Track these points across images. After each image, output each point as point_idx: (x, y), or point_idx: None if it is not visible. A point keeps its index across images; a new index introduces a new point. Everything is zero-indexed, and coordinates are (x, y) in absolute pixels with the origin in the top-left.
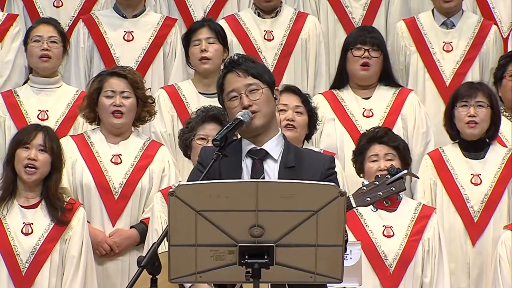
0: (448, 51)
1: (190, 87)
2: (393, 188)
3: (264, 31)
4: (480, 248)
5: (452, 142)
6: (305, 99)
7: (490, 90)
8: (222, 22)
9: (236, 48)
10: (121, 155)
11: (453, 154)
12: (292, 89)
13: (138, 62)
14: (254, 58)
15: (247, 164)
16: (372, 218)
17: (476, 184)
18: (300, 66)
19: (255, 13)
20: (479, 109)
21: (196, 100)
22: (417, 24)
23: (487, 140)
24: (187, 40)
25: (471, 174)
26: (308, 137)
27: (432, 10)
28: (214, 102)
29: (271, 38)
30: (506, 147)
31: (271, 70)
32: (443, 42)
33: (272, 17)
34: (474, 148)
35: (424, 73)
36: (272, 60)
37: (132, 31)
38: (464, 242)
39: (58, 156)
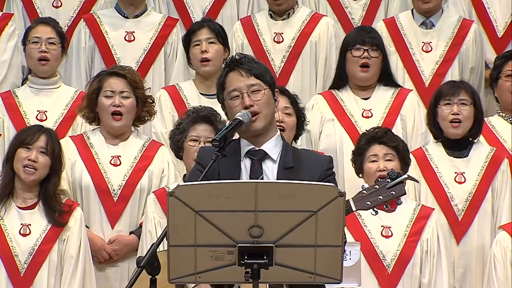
0: (427, 52)
1: (192, 88)
2: (393, 193)
3: (275, 33)
4: (465, 247)
5: (435, 141)
6: (294, 100)
7: (472, 89)
8: (237, 24)
9: (246, 49)
10: (120, 156)
11: (436, 152)
12: (280, 90)
13: (139, 63)
14: (256, 58)
15: (246, 164)
16: (371, 218)
17: (460, 183)
18: (308, 69)
19: (268, 14)
20: (462, 107)
21: (197, 100)
22: (397, 24)
23: (470, 139)
24: (187, 41)
25: (455, 173)
26: (295, 138)
27: (412, 10)
28: (215, 103)
29: (281, 40)
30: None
31: (278, 73)
32: (423, 42)
33: (283, 19)
34: (458, 147)
35: (403, 73)
36: (279, 63)
37: (133, 32)
38: (448, 241)
39: (58, 159)
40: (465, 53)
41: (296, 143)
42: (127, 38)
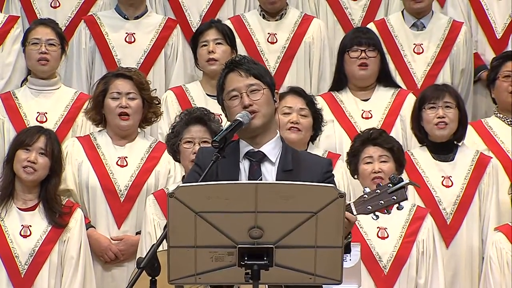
0: (418, 53)
1: (198, 89)
2: (395, 198)
3: (268, 33)
4: (454, 250)
5: (420, 145)
6: (310, 101)
7: (456, 92)
8: (227, 23)
9: (239, 49)
10: (127, 157)
11: (422, 157)
12: (296, 91)
13: (140, 64)
14: (255, 59)
15: (244, 166)
16: (367, 220)
17: (447, 186)
18: (303, 70)
19: (260, 15)
20: (447, 110)
21: (203, 102)
22: (387, 26)
23: (455, 142)
24: (194, 42)
25: (442, 176)
26: (313, 139)
27: (402, 11)
28: None
29: (275, 40)
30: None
31: (273, 73)
32: (414, 44)
33: (276, 20)
34: (443, 150)
35: (395, 75)
36: (274, 63)
37: (134, 33)
38: (437, 244)
39: (57, 160)
40: (455, 55)
41: (313, 144)
42: (127, 40)
